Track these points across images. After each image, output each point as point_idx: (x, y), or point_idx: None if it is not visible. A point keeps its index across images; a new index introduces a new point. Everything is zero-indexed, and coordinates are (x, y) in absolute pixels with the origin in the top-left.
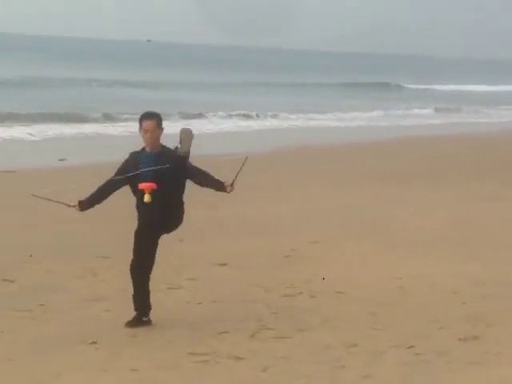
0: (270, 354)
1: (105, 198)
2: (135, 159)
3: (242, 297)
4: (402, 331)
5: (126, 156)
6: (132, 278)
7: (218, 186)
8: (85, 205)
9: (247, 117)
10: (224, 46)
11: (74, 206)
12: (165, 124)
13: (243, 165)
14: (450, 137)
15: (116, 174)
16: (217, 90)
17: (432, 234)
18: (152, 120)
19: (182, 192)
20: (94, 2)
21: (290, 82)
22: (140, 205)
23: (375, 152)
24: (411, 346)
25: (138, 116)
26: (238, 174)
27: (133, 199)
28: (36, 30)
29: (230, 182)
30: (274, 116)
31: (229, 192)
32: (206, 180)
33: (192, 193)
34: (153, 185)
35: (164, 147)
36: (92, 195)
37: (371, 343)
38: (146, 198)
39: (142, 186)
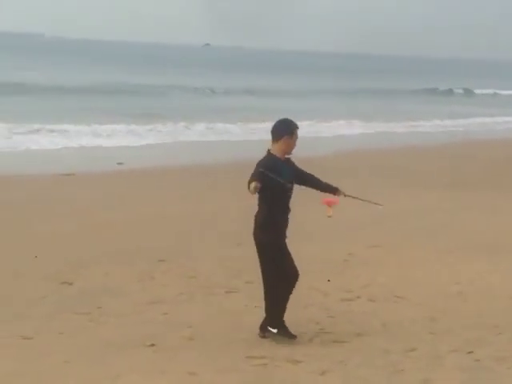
0: (328, 358)
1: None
2: (275, 164)
3: (300, 301)
4: (461, 336)
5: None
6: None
7: (329, 189)
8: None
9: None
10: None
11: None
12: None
13: (369, 202)
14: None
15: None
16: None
17: (494, 239)
18: (297, 128)
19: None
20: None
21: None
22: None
23: (435, 155)
24: (470, 352)
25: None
26: (358, 199)
27: (186, 205)
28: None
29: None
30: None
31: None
32: (315, 184)
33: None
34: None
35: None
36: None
37: (430, 348)
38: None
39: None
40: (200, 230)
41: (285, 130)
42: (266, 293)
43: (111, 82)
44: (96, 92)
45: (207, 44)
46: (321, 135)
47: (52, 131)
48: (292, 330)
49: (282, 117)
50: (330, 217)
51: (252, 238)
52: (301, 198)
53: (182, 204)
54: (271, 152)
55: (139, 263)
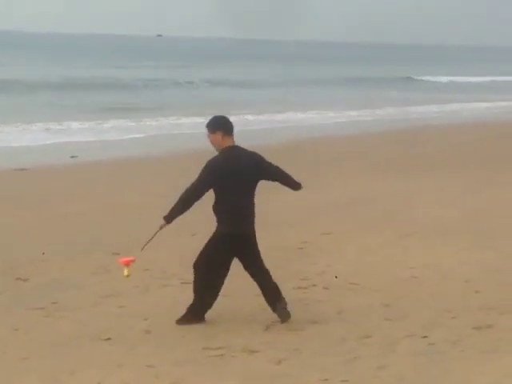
0: (284, 347)
1: (190, 207)
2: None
3: (254, 290)
4: (415, 321)
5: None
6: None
7: (293, 184)
8: (170, 218)
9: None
10: (244, 39)
11: (164, 226)
12: None
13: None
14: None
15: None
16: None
17: (447, 223)
18: (206, 127)
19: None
20: None
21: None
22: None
23: (387, 140)
24: (425, 336)
25: None
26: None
27: (143, 197)
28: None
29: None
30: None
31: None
32: (282, 178)
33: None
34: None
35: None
36: (177, 206)
37: (385, 334)
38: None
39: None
40: (155, 222)
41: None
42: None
43: (80, 76)
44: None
45: (159, 35)
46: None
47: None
48: (247, 319)
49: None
50: (128, 276)
51: (207, 229)
52: (261, 187)
53: (136, 196)
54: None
55: (94, 256)
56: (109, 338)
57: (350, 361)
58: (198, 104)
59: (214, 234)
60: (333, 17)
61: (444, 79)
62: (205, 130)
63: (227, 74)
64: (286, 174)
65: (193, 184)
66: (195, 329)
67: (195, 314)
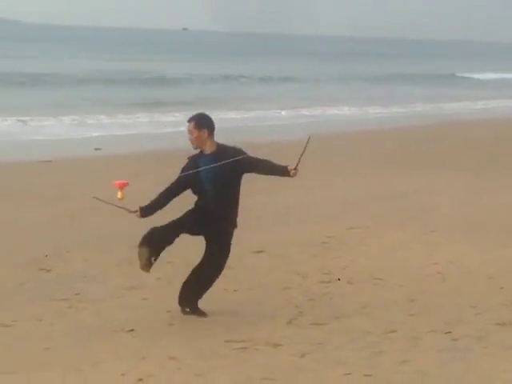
0: (308, 341)
1: (166, 204)
2: (194, 162)
3: (278, 284)
4: (439, 317)
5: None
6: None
7: (281, 171)
8: (145, 211)
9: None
10: (245, 33)
11: (135, 212)
12: None
13: (306, 146)
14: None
15: (176, 180)
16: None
17: (473, 220)
18: (190, 122)
19: (238, 192)
20: None
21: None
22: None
23: (418, 137)
24: (449, 332)
25: None
26: (301, 155)
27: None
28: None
29: (293, 165)
30: None
31: (292, 176)
32: (267, 168)
33: None
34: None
35: (220, 145)
36: (152, 202)
37: (409, 329)
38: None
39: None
40: (178, 214)
41: None
42: (211, 274)
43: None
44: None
45: (185, 28)
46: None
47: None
48: (271, 312)
49: None
50: (121, 199)
51: None
52: (273, 183)
53: (160, 188)
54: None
55: (117, 249)
56: (132, 330)
57: (374, 355)
58: (242, 99)
59: None
60: (345, 11)
61: (490, 76)
62: (186, 124)
63: (263, 69)
64: (269, 163)
65: None
66: (218, 321)
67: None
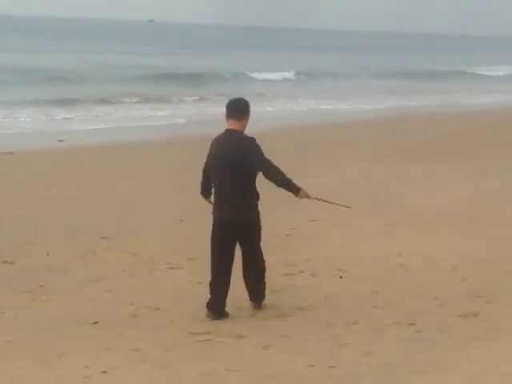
0: (271, 333)
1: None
2: (211, 144)
3: (242, 276)
4: (403, 309)
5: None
6: None
7: (291, 189)
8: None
9: None
10: (236, 26)
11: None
12: None
13: (336, 204)
14: (457, 115)
15: (206, 159)
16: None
17: (436, 211)
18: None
19: (249, 181)
20: None
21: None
22: None
23: (382, 130)
24: (412, 324)
25: None
26: (323, 200)
27: (130, 182)
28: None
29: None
30: None
31: (299, 197)
32: (274, 179)
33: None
34: None
35: (237, 133)
36: (204, 186)
37: (372, 321)
38: None
39: None
40: (143, 207)
41: (248, 110)
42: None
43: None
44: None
45: (151, 20)
46: None
47: None
48: (235, 304)
49: None
50: None
51: (194, 214)
52: None
53: (125, 180)
54: (238, 131)
55: (82, 240)
56: (96, 322)
57: (338, 347)
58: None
59: None
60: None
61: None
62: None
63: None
64: (273, 168)
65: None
66: (182, 313)
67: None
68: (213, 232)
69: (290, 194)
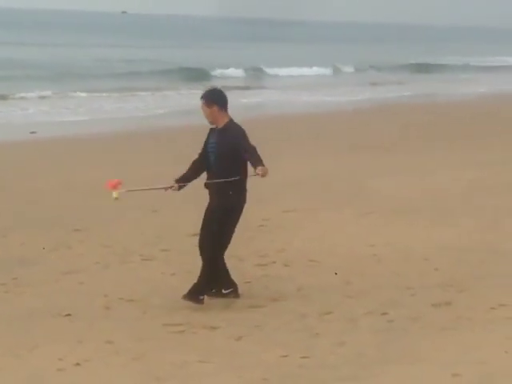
0: (245, 323)
1: (197, 173)
2: (208, 135)
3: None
4: (375, 298)
5: None
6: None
7: (254, 164)
8: (182, 182)
9: None
10: (232, 18)
11: (172, 187)
12: None
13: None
14: (423, 106)
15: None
16: None
17: (408, 201)
18: (201, 100)
19: (240, 168)
20: None
21: None
22: None
23: (356, 121)
24: (385, 313)
25: None
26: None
27: (100, 170)
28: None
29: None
30: None
31: (259, 174)
32: (251, 159)
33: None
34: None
35: (228, 123)
36: (186, 172)
37: (345, 311)
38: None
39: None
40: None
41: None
42: (213, 259)
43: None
44: None
45: (124, 12)
46: None
47: None
48: (208, 295)
49: None
50: (116, 199)
51: (168, 205)
52: None
53: (98, 172)
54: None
55: (54, 233)
56: (69, 314)
57: (311, 337)
58: None
59: None
60: None
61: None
62: (200, 102)
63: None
64: (255, 156)
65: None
66: (156, 305)
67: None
68: (238, 216)
69: (264, 186)
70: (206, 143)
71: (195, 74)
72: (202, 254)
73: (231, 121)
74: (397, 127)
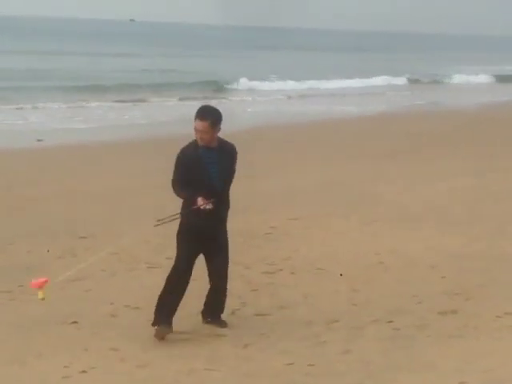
0: (251, 331)
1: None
2: (197, 155)
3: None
4: (381, 306)
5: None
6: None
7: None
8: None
9: None
10: (236, 26)
11: (208, 203)
12: None
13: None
14: (432, 114)
15: (179, 172)
16: None
17: (413, 209)
18: (204, 121)
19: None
20: None
21: None
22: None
23: (357, 128)
24: (391, 321)
25: None
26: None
27: (107, 178)
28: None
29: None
30: None
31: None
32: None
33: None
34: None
35: (220, 139)
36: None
37: (352, 319)
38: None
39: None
40: (122, 206)
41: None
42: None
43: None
44: None
45: (132, 19)
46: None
47: None
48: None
49: None
50: (43, 299)
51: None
52: None
53: (104, 180)
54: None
55: (61, 240)
56: (75, 322)
57: (317, 345)
58: None
59: None
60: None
61: None
62: (197, 122)
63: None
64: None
65: None
66: None
67: None
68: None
69: (271, 194)
70: (200, 165)
71: (209, 86)
72: (220, 281)
73: (220, 138)
74: (400, 135)
